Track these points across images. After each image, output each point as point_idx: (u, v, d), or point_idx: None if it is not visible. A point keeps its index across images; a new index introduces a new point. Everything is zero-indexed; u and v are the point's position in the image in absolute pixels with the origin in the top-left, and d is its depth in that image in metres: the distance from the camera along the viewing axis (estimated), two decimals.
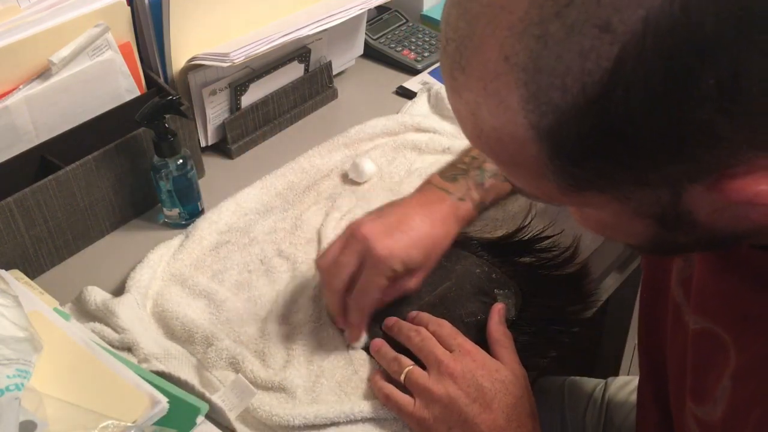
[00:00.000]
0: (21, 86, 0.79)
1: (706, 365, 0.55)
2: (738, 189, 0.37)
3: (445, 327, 0.69)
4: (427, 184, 0.76)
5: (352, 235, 0.69)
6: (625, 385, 0.98)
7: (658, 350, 0.68)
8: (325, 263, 0.71)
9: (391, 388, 0.66)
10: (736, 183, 0.37)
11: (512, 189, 0.78)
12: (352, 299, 0.70)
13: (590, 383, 1.01)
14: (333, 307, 0.72)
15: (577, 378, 1.03)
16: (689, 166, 0.37)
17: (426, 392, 0.64)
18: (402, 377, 0.66)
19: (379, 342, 0.70)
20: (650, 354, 0.73)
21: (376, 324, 0.72)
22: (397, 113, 1.04)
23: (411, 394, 0.65)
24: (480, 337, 0.69)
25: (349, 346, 0.71)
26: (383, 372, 0.69)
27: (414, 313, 0.72)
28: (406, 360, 0.67)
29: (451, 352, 0.66)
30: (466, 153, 0.80)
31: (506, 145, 0.40)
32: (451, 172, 0.77)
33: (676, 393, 0.63)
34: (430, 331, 0.68)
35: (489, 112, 0.39)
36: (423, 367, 0.66)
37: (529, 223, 0.81)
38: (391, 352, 0.69)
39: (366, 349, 0.71)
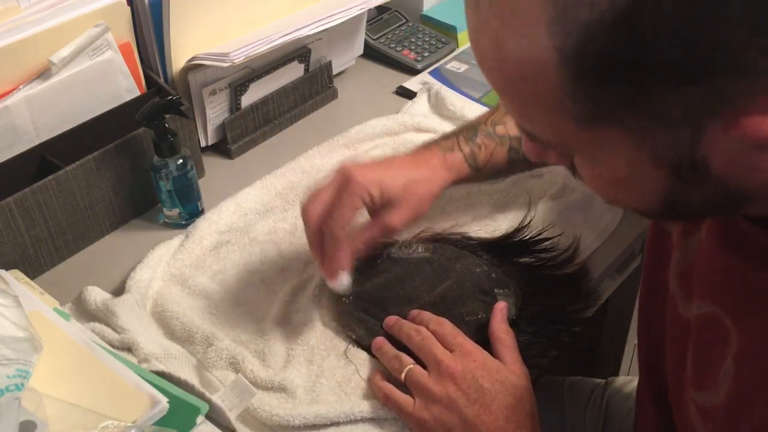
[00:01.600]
0: (21, 86, 0.79)
1: (708, 350, 0.55)
2: (757, 126, 0.37)
3: (446, 326, 0.69)
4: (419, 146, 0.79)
5: (336, 171, 0.71)
6: (626, 384, 0.98)
7: (657, 346, 0.68)
8: (306, 198, 0.72)
9: (390, 388, 0.66)
10: (755, 119, 0.37)
11: (508, 160, 0.78)
12: (326, 224, 0.69)
13: (590, 383, 1.01)
14: (309, 238, 0.71)
15: (578, 378, 1.03)
16: (711, 95, 0.37)
17: (426, 392, 0.64)
18: (402, 376, 0.66)
19: (380, 340, 0.70)
20: (650, 351, 0.72)
21: (377, 322, 0.72)
22: (397, 113, 1.04)
23: (411, 394, 0.65)
24: (480, 336, 0.69)
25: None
26: (383, 371, 0.69)
27: (415, 311, 0.72)
28: (407, 358, 0.67)
29: (451, 351, 0.66)
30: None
31: (527, 74, 0.40)
32: (442, 138, 0.79)
33: (675, 384, 0.63)
34: (430, 330, 0.68)
35: (513, 37, 0.39)
36: (424, 366, 0.66)
37: (529, 223, 0.81)
38: (392, 350, 0.69)
39: (366, 348, 0.71)
